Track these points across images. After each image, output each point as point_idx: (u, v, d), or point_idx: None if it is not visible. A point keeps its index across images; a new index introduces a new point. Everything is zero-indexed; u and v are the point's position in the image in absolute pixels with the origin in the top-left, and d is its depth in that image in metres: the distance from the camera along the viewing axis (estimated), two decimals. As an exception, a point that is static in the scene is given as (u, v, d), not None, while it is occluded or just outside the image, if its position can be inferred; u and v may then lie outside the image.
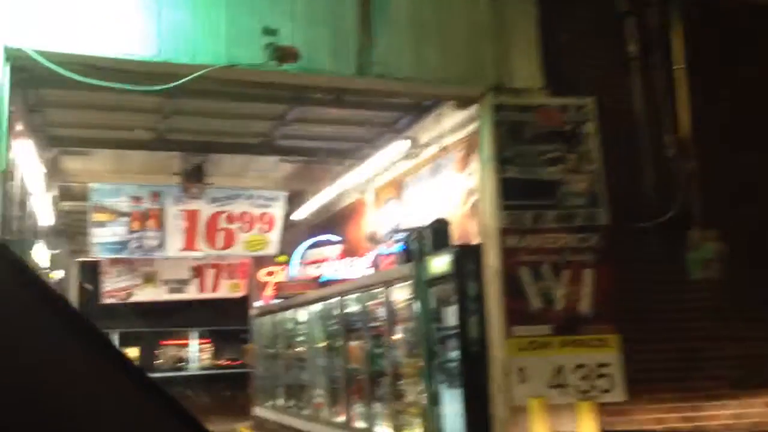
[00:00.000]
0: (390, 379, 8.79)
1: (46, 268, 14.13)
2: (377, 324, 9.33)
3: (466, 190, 9.15)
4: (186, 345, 56.73)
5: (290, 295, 13.26)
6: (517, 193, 6.76)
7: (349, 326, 10.25)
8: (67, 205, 12.38)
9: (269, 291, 14.76)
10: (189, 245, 11.30)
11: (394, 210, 12.05)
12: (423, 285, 7.87)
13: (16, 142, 7.94)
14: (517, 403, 6.46)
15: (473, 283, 7.10)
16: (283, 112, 8.64)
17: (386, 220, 12.32)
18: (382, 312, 9.14)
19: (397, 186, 11.82)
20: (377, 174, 12.26)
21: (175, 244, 11.15)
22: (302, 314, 12.46)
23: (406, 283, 8.35)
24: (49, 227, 12.90)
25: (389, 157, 9.70)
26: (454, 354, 7.25)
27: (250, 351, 15.58)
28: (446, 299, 7.48)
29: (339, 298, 10.56)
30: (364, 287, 9.79)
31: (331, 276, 11.90)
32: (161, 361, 57.27)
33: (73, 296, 14.99)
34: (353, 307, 10.16)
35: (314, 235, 13.64)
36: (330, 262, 12.32)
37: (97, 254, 10.96)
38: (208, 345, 57.61)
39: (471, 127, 9.02)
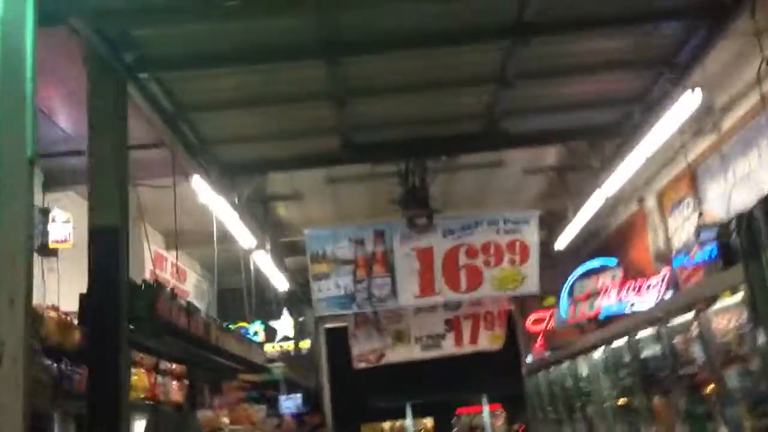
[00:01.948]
0: (729, 454, 5.62)
1: (290, 339, 13.10)
2: (692, 369, 6.30)
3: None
4: (480, 411, 55.20)
5: (563, 343, 10.52)
6: None
7: (648, 376, 7.46)
8: (292, 261, 11.09)
9: (539, 342, 12.21)
10: (426, 290, 9.20)
11: (689, 213, 8.90)
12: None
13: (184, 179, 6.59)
14: None
15: None
16: (502, 61, 5.87)
17: (678, 228, 9.17)
18: (697, 349, 6.13)
19: (688, 179, 8.70)
20: (658, 168, 9.23)
21: (409, 290, 9.14)
22: (583, 366, 9.59)
23: (734, 298, 5.31)
24: (288, 292, 11.81)
25: (674, 122, 6.59)
26: None
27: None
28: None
29: (629, 337, 7.65)
30: (662, 317, 6.83)
31: (613, 310, 9.01)
32: (456, 430, 56.41)
33: (323, 365, 13.80)
34: (651, 349, 7.35)
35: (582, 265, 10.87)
36: (609, 292, 9.36)
37: (322, 312, 9.34)
38: (499, 410, 55.49)
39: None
